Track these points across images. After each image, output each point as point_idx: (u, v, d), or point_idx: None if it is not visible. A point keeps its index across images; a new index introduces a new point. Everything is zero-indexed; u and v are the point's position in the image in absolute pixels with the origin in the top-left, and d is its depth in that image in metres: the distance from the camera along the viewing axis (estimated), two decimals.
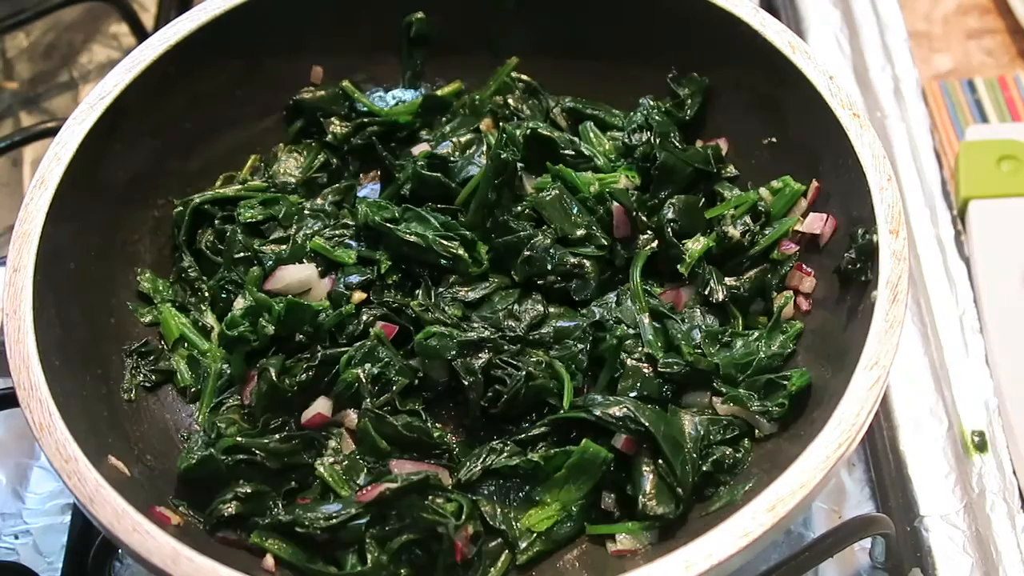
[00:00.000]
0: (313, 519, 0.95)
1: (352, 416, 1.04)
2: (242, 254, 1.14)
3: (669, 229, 1.11)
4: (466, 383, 1.03)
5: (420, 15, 1.25)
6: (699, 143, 1.20)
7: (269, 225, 1.16)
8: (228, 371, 1.08)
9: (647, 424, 0.98)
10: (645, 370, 1.04)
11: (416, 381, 1.06)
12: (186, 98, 1.17)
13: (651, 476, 0.97)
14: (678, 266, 1.10)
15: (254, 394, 1.04)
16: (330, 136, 1.24)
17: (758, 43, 1.10)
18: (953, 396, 1.21)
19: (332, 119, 1.25)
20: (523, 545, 0.97)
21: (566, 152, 1.18)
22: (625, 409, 0.99)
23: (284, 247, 1.13)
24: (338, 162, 1.25)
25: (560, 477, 0.99)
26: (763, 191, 1.13)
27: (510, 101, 1.25)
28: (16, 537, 1.16)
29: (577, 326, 1.07)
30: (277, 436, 1.01)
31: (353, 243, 1.14)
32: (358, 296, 1.09)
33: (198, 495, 0.98)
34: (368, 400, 1.03)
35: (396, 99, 1.28)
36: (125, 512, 0.86)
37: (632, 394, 1.03)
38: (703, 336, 1.07)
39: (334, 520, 0.95)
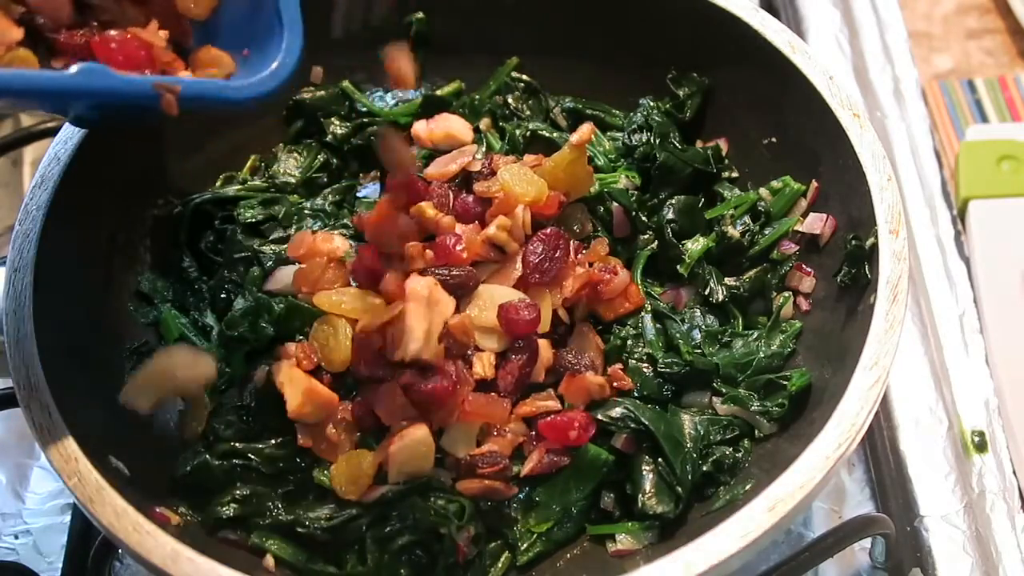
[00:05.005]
0: (314, 520, 0.95)
1: None
2: (242, 254, 1.13)
3: (669, 229, 1.11)
4: None
5: (420, 15, 1.25)
6: (699, 143, 1.20)
7: (269, 225, 1.16)
8: (228, 371, 1.08)
9: (647, 423, 0.98)
10: (645, 370, 1.04)
11: None
12: None
13: (651, 475, 0.98)
14: (678, 266, 1.10)
15: (253, 395, 1.04)
16: (330, 136, 1.24)
17: (758, 43, 1.10)
18: (953, 396, 1.21)
19: (332, 119, 1.25)
20: (523, 546, 0.97)
21: None
22: (625, 409, 0.99)
23: (284, 247, 1.13)
24: (338, 162, 1.25)
25: (560, 478, 0.98)
26: (763, 191, 1.13)
27: (510, 101, 1.25)
28: (16, 537, 1.16)
29: None
30: (273, 442, 1.01)
31: (353, 243, 1.14)
32: None
33: (198, 496, 0.98)
34: None
35: (396, 99, 1.28)
36: (125, 512, 0.86)
37: (632, 394, 1.03)
38: (703, 336, 1.07)
39: (335, 521, 0.95)
